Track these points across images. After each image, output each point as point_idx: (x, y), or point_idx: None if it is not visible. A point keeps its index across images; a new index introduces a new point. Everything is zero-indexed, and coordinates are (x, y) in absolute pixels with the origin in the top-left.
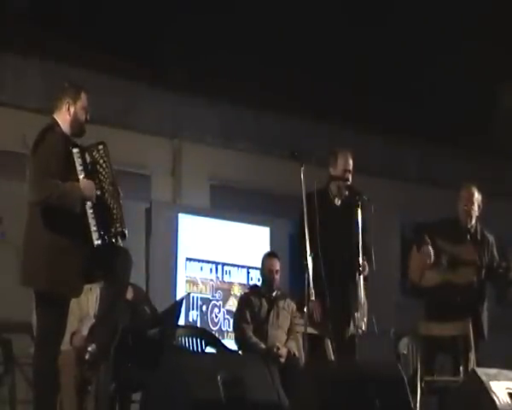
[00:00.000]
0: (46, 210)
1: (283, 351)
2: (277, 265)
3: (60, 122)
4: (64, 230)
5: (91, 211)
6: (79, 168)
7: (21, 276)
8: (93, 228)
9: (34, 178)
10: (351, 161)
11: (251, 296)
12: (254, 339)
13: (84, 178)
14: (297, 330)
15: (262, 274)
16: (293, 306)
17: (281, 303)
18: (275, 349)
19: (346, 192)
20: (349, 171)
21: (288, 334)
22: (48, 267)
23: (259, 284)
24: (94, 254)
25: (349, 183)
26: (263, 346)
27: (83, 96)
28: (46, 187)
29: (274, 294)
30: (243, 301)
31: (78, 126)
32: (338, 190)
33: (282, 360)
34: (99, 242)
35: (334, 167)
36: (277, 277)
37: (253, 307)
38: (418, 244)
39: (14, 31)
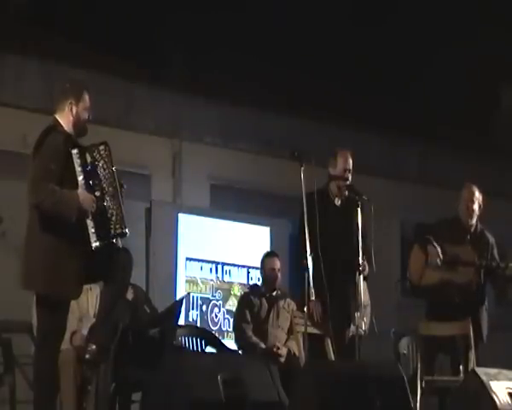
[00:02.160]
0: (45, 213)
1: (283, 351)
2: (278, 264)
3: (62, 123)
4: (63, 232)
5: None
6: (78, 169)
7: (21, 279)
8: (91, 230)
9: (32, 180)
10: (350, 161)
11: (251, 296)
12: (254, 339)
13: (83, 179)
14: (297, 330)
15: (262, 274)
16: (293, 305)
17: (281, 303)
18: (274, 349)
19: (346, 192)
20: (349, 170)
21: (288, 334)
22: (47, 270)
23: (259, 283)
24: (94, 255)
25: (349, 182)
26: (263, 346)
27: (85, 95)
28: (42, 191)
29: (274, 293)
30: (243, 300)
31: (80, 126)
32: (338, 190)
33: (282, 359)
34: (97, 244)
35: (333, 167)
36: (279, 275)
37: (253, 307)
38: (422, 245)
39: (14, 31)
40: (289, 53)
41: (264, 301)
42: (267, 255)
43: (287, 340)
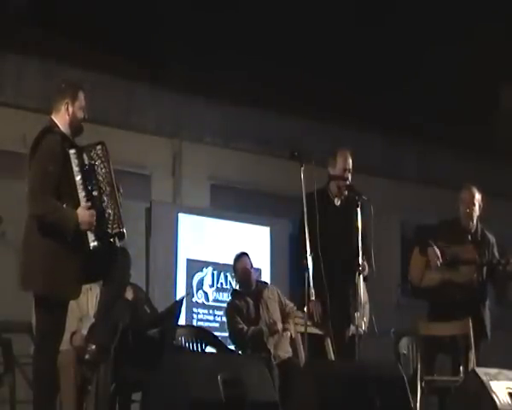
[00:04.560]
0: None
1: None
2: (249, 262)
3: (59, 123)
4: (61, 233)
5: None
6: (76, 169)
7: (20, 280)
8: (89, 230)
9: (33, 188)
10: (350, 161)
11: (235, 301)
12: (251, 329)
13: (80, 179)
14: (297, 330)
15: (237, 277)
16: (277, 290)
17: (265, 293)
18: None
19: (346, 192)
20: (348, 170)
21: (283, 321)
22: (45, 272)
23: (237, 287)
24: (93, 255)
25: (349, 182)
26: (257, 328)
27: (80, 95)
28: (44, 204)
29: (253, 287)
30: (230, 308)
31: (76, 125)
32: (338, 190)
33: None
34: (95, 244)
35: (333, 167)
36: (253, 271)
37: (241, 310)
38: (422, 247)
39: (14, 31)
40: (290, 53)
41: (248, 299)
42: (238, 258)
43: (284, 329)
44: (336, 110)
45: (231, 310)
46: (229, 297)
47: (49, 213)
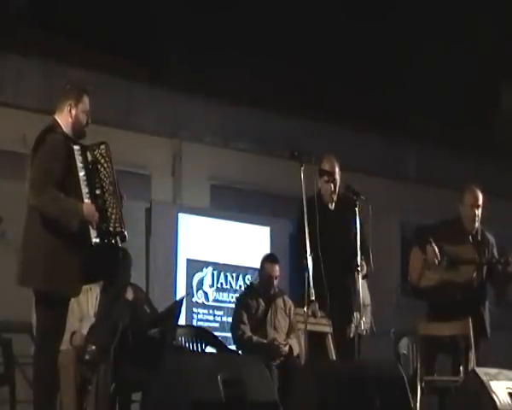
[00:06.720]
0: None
1: (285, 348)
2: (278, 271)
3: (61, 123)
4: (63, 227)
5: None
6: (79, 166)
7: (19, 276)
8: (91, 227)
9: (34, 181)
10: (337, 169)
11: (247, 298)
12: (255, 338)
13: (84, 175)
14: (298, 328)
15: (261, 276)
16: (290, 304)
17: (278, 302)
18: (276, 342)
19: (342, 190)
20: (336, 178)
21: (287, 334)
22: (46, 267)
23: (256, 282)
24: (93, 254)
25: (339, 183)
26: (264, 341)
27: (85, 98)
28: (45, 194)
29: (272, 291)
30: (240, 302)
31: (78, 129)
32: (329, 194)
33: (284, 351)
34: (97, 240)
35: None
36: (276, 281)
37: (250, 309)
38: (421, 245)
39: (15, 31)
40: (289, 53)
41: (260, 301)
42: (268, 261)
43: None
44: (337, 110)
45: (241, 307)
46: (244, 288)
47: (50, 201)
